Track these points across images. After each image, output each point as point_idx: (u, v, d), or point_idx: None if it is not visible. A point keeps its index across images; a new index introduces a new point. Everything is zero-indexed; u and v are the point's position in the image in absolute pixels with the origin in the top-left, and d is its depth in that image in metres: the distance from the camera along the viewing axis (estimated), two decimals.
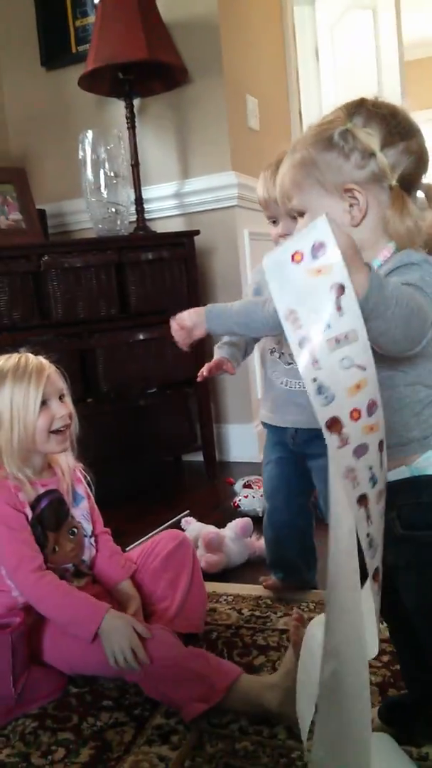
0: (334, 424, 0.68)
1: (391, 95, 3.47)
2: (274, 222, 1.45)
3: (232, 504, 2.14)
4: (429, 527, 0.89)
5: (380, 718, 1.06)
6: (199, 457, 2.63)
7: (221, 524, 1.87)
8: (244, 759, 1.04)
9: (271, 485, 1.58)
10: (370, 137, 0.89)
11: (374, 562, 0.74)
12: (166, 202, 2.77)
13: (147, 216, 2.68)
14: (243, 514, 2.00)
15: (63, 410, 1.33)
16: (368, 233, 0.91)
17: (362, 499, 0.71)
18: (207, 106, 2.66)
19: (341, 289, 0.66)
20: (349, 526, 0.71)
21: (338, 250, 0.67)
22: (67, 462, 1.42)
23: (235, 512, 2.06)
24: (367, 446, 0.70)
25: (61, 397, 1.35)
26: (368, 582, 0.77)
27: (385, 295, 0.75)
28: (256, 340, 1.54)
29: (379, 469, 0.72)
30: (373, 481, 0.71)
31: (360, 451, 0.70)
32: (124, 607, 1.37)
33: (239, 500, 2.12)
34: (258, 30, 3.05)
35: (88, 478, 1.46)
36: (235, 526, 1.84)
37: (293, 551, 1.57)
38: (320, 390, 0.68)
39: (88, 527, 1.43)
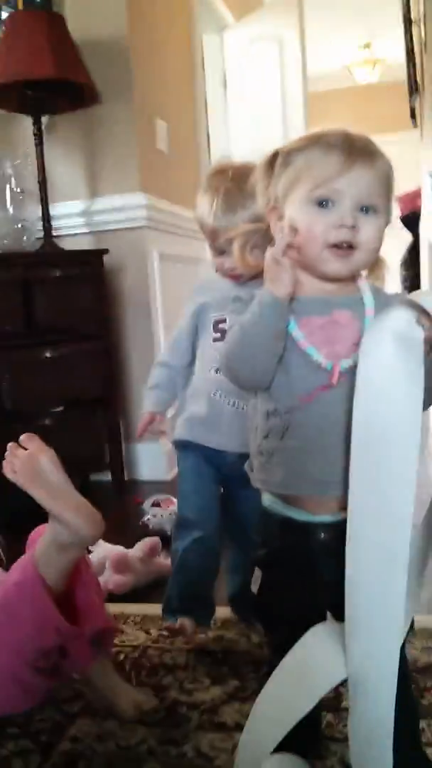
0: None
1: (295, 125, 3.59)
2: (222, 253, 1.34)
3: (140, 523, 2.13)
4: None
5: None
6: (107, 476, 2.61)
7: (130, 544, 1.86)
8: None
9: (204, 509, 1.43)
10: None
11: None
12: (74, 220, 2.75)
13: (55, 233, 2.65)
14: (151, 533, 2.00)
15: None
16: None
17: None
18: (116, 127, 2.67)
19: None
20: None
21: None
22: None
23: (144, 532, 2.05)
24: None
25: None
26: None
27: None
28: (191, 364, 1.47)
29: None
30: None
31: None
32: None
33: (147, 519, 2.12)
34: (168, 56, 3.10)
35: None
36: (143, 545, 1.83)
37: (211, 586, 1.45)
38: None
39: None
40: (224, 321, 1.38)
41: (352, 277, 0.93)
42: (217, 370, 1.38)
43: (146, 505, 2.22)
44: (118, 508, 2.47)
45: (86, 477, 2.74)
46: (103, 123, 2.69)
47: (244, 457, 1.33)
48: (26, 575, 1.08)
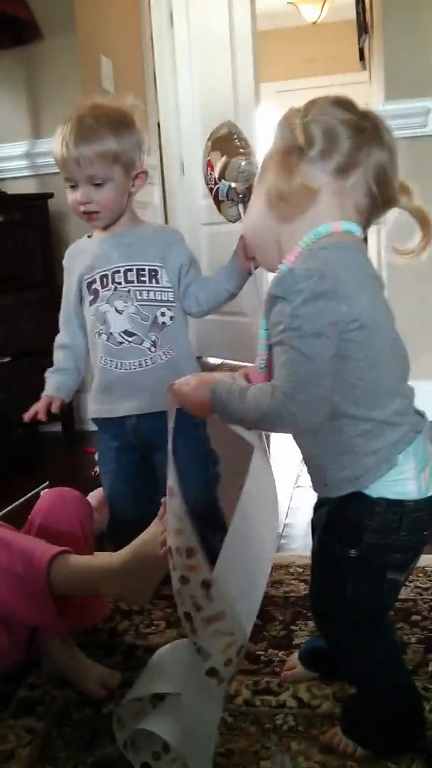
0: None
1: (244, 64, 3.47)
2: (73, 186, 1.28)
3: (92, 473, 2.13)
4: (339, 541, 0.92)
5: (301, 662, 1.13)
6: (57, 427, 2.59)
7: (82, 494, 1.86)
8: (110, 721, 1.06)
9: (116, 492, 1.44)
10: None
11: (206, 664, 0.86)
12: (16, 162, 2.65)
13: None
14: None
15: None
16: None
17: (186, 616, 0.88)
18: (59, 64, 2.57)
19: (207, 585, 0.87)
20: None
21: (205, 559, 0.88)
22: None
23: (96, 481, 2.06)
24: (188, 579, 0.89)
25: None
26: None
27: (230, 410, 0.88)
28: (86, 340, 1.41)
29: (205, 600, 0.87)
30: (197, 607, 0.87)
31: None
32: None
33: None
34: None
35: None
36: (96, 494, 1.83)
37: None
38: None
39: None
40: (94, 281, 1.34)
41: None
42: (98, 334, 1.33)
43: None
44: (69, 458, 2.46)
45: (36, 428, 2.72)
46: (46, 61, 2.58)
47: (144, 418, 1.32)
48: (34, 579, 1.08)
